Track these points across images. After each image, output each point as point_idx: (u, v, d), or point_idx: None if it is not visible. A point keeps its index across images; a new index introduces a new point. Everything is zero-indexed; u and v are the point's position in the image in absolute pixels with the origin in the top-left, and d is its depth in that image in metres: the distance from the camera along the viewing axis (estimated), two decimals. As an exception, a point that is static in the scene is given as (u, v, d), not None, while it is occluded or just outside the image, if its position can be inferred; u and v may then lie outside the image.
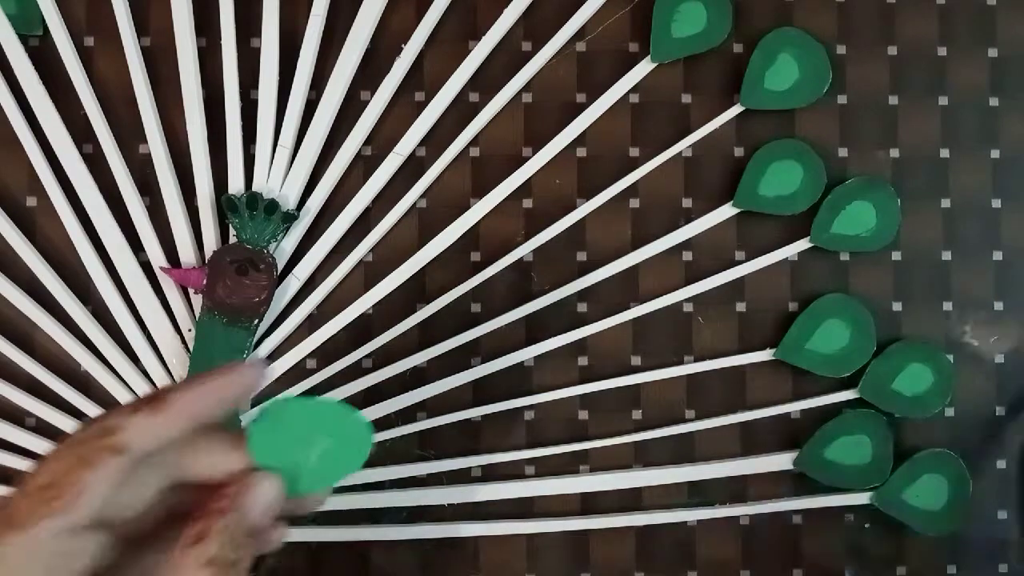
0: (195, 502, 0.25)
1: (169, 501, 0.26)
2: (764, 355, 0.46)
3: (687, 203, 0.46)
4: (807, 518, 0.46)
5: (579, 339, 0.45)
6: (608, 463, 0.46)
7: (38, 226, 0.45)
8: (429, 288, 0.46)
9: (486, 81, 0.45)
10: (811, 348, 0.45)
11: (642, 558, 0.46)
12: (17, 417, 0.44)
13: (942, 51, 0.47)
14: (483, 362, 0.45)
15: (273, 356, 0.45)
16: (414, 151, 0.45)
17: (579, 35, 0.46)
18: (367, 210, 0.45)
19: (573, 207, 0.46)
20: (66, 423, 0.44)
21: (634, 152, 0.46)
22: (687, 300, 0.46)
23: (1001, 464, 0.47)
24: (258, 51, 0.44)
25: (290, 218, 0.43)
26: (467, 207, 0.45)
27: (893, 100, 0.47)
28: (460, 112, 0.45)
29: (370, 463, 0.45)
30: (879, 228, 0.45)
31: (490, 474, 0.46)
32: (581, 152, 0.46)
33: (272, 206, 0.43)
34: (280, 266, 0.44)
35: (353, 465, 0.27)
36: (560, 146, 0.45)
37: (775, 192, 0.45)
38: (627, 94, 0.46)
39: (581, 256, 0.46)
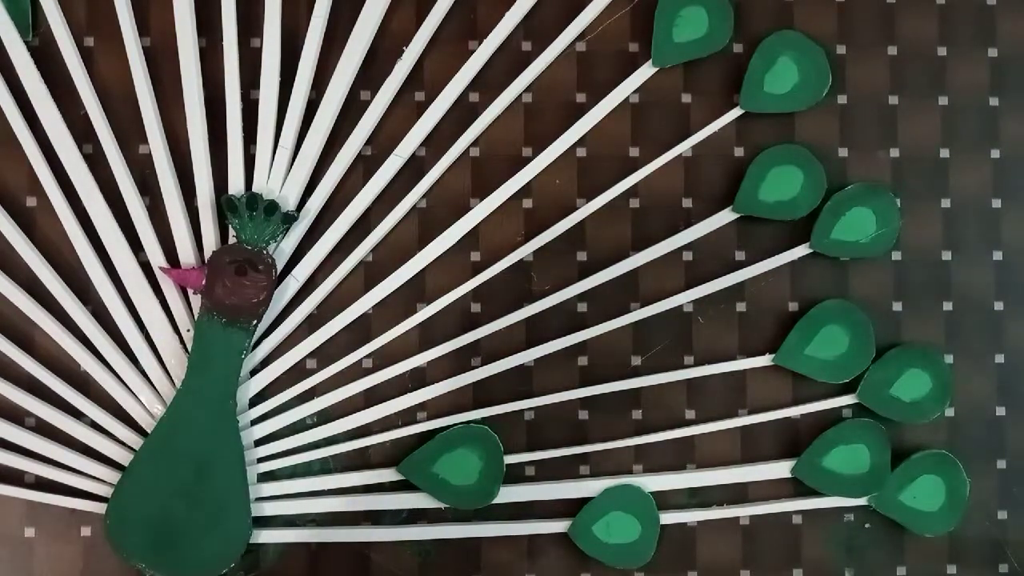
0: None
1: None
2: (763, 360, 0.46)
3: (687, 203, 0.46)
4: (807, 518, 0.46)
5: (579, 340, 0.45)
6: (608, 465, 0.46)
7: (38, 226, 0.45)
8: (429, 289, 0.46)
9: (487, 82, 0.45)
10: (810, 354, 0.45)
11: (642, 558, 0.46)
12: (17, 416, 0.44)
13: (942, 51, 0.47)
14: (483, 363, 0.45)
15: (272, 356, 0.45)
16: (415, 151, 0.45)
17: (579, 35, 0.46)
18: (367, 211, 0.45)
19: (573, 208, 0.46)
20: (66, 423, 0.44)
21: (634, 152, 0.46)
22: (688, 301, 0.46)
23: (1001, 464, 0.47)
24: (259, 51, 0.44)
25: (290, 219, 0.43)
26: (467, 208, 0.45)
27: (893, 100, 0.47)
28: (461, 113, 0.45)
29: (372, 464, 0.45)
30: (879, 234, 0.45)
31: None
32: (581, 152, 0.46)
33: (272, 207, 0.43)
34: (280, 267, 0.44)
35: None
36: (561, 147, 0.45)
37: (775, 197, 0.45)
38: (627, 95, 0.46)
39: (581, 256, 0.46)
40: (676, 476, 0.46)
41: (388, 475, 0.45)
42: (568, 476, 0.46)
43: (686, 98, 0.46)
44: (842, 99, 0.46)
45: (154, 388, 0.44)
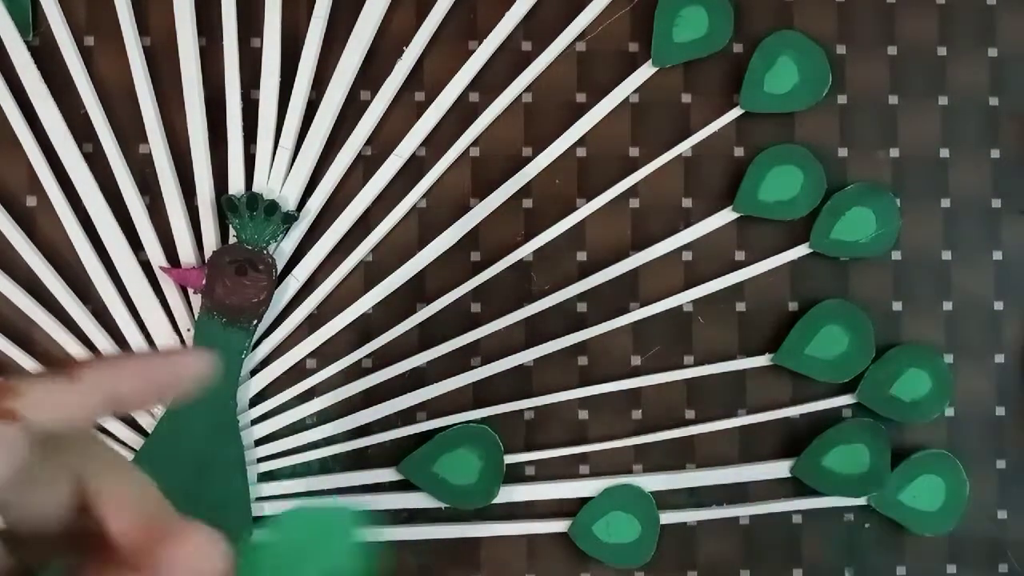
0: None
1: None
2: (763, 360, 0.46)
3: (687, 203, 0.46)
4: (807, 518, 0.46)
5: (579, 340, 0.45)
6: (608, 465, 0.46)
7: (38, 226, 0.45)
8: (429, 288, 0.46)
9: (487, 82, 0.45)
10: (810, 353, 0.45)
11: (642, 558, 0.46)
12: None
13: (942, 51, 0.47)
14: (483, 363, 0.45)
15: (272, 356, 0.45)
16: (415, 151, 0.45)
17: (579, 35, 0.46)
18: (367, 211, 0.45)
19: (573, 207, 0.46)
20: (66, 423, 0.44)
21: (634, 152, 0.46)
22: (687, 301, 0.46)
23: (1001, 464, 0.47)
24: (259, 51, 0.44)
25: (290, 219, 0.43)
26: (467, 207, 0.45)
27: (893, 100, 0.47)
28: (461, 112, 0.45)
29: (372, 464, 0.45)
30: (879, 234, 0.45)
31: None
32: (581, 152, 0.46)
33: (272, 207, 0.43)
34: (280, 266, 0.44)
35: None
36: (561, 147, 0.45)
37: (775, 197, 0.45)
38: (627, 95, 0.46)
39: (581, 256, 0.46)
40: (676, 476, 0.46)
41: (388, 475, 0.45)
42: (568, 476, 0.46)
43: (686, 98, 0.46)
44: (842, 99, 0.46)
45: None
